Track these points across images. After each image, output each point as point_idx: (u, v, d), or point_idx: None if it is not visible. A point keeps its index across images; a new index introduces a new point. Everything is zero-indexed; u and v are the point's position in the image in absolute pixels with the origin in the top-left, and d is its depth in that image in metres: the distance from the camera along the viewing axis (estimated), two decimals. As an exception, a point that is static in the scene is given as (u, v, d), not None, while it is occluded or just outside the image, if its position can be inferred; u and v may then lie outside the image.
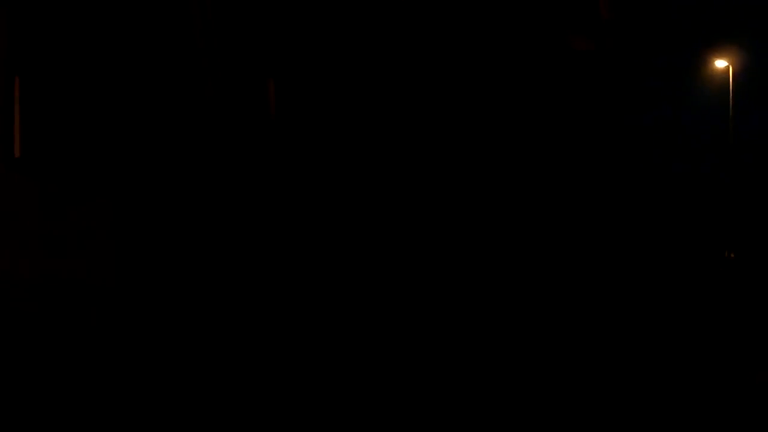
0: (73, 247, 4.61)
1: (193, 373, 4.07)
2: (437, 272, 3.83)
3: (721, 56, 39.33)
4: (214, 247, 4.26)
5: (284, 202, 4.51)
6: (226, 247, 4.28)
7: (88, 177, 4.57)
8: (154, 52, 4.56)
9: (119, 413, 4.15)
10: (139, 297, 4.24)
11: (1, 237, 4.83)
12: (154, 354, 4.18)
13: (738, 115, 40.37)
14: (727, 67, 38.83)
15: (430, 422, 3.73)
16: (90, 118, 4.62)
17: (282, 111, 4.76)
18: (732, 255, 37.25)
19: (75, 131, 4.65)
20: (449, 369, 4.24)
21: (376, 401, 3.73)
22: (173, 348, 4.15)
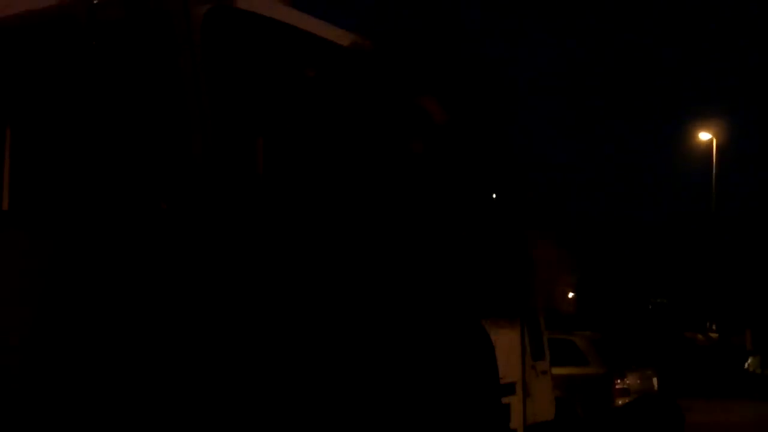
0: (66, 298, 4.63)
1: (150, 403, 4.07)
2: None
3: (705, 129, 39.83)
4: (195, 301, 4.28)
5: (266, 259, 4.54)
6: (206, 303, 4.31)
7: (76, 230, 4.60)
8: (143, 108, 4.62)
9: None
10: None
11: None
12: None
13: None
14: (711, 140, 39.28)
15: None
16: (79, 171, 4.66)
17: (269, 169, 4.81)
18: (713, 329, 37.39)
19: (61, 184, 4.69)
20: None
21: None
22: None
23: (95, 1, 4.58)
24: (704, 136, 39.55)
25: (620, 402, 14.62)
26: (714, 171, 38.18)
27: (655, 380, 15.85)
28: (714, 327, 37.30)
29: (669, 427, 14.69)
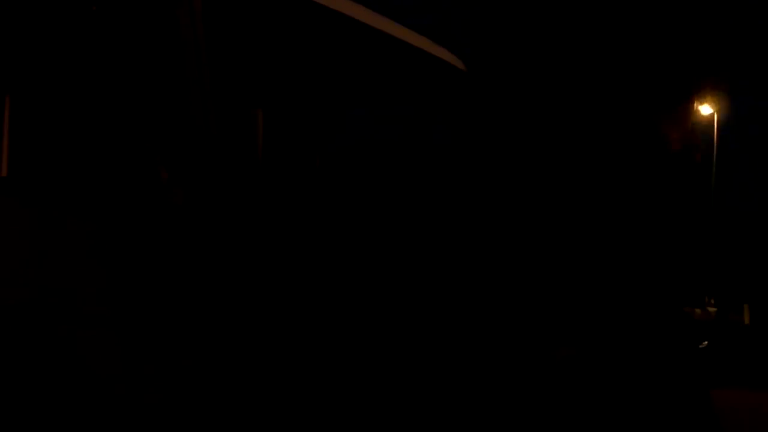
0: (62, 268, 4.62)
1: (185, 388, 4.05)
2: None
3: (706, 102, 39.73)
4: (199, 272, 4.27)
5: (270, 231, 4.54)
6: (209, 275, 4.30)
7: (74, 197, 4.58)
8: (144, 75, 4.59)
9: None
10: (126, 316, 4.23)
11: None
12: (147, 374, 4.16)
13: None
14: (712, 114, 39.20)
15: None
16: (78, 138, 4.64)
17: (270, 140, 4.79)
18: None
19: (63, 151, 4.67)
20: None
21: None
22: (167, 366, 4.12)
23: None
24: (705, 110, 39.47)
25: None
26: (715, 147, 38.13)
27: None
28: (712, 301, 37.29)
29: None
